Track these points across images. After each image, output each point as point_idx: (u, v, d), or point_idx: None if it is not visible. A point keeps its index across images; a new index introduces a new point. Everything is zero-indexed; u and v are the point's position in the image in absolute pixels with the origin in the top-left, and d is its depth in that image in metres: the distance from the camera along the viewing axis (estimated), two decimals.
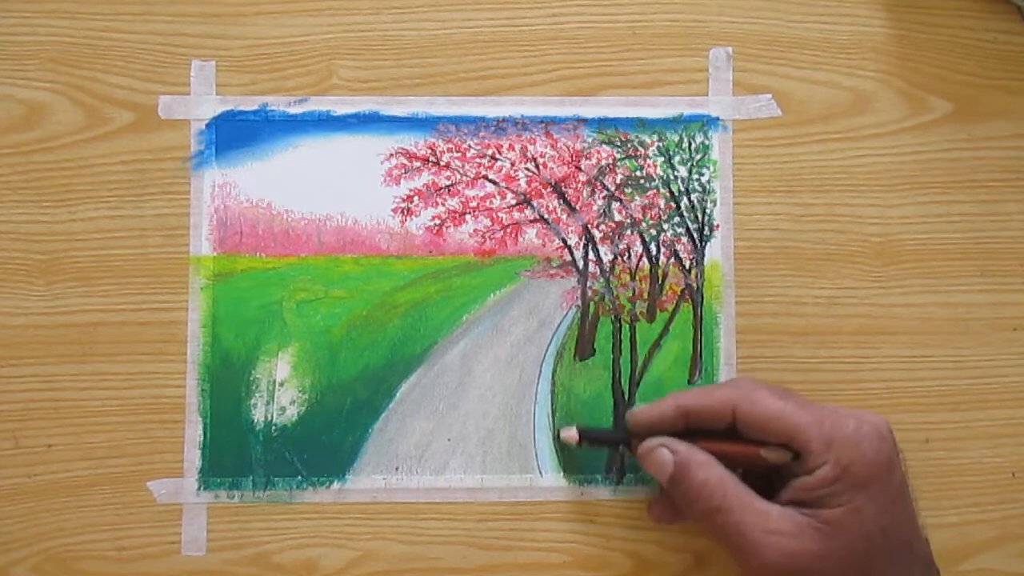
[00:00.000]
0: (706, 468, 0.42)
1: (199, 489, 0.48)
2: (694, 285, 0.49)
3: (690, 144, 0.50)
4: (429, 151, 0.49)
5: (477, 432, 0.48)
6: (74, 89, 0.49)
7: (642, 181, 0.50)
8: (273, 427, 0.48)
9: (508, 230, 0.49)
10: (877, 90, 0.50)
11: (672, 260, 0.49)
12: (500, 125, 0.50)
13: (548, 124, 0.50)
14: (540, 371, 0.49)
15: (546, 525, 0.48)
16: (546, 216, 0.49)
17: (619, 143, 0.50)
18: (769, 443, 0.42)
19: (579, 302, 0.49)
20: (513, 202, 0.50)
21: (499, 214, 0.49)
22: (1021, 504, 0.49)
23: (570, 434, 0.46)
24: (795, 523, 0.40)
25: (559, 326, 0.49)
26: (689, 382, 0.49)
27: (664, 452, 0.43)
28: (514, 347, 0.49)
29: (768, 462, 0.42)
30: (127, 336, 0.48)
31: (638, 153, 0.50)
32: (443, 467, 0.48)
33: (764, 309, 0.49)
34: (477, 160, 0.50)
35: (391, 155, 0.49)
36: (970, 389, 0.49)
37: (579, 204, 0.50)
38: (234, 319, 0.48)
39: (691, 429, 0.44)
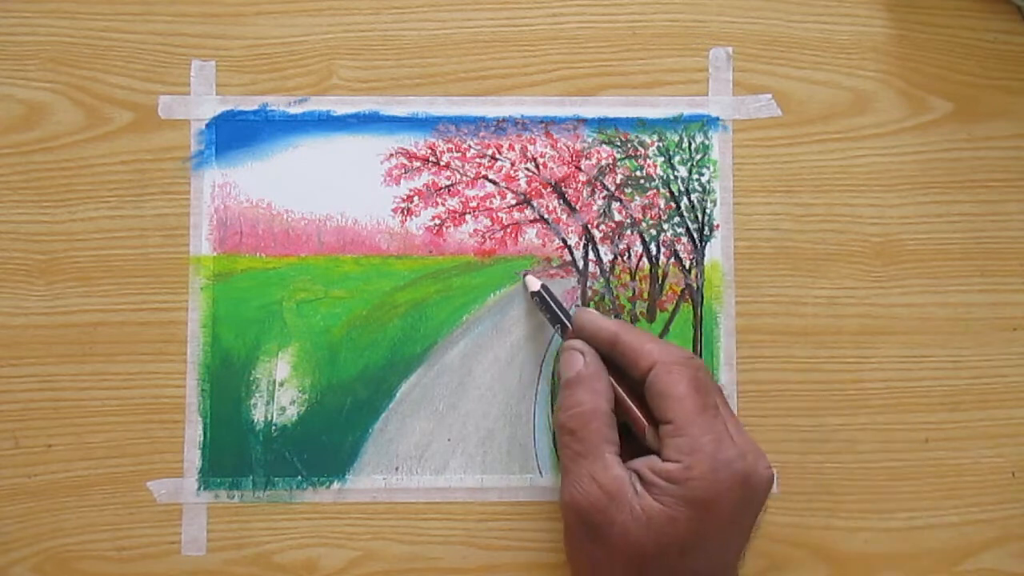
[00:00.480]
0: (591, 395, 0.43)
1: (199, 489, 0.48)
2: (694, 285, 0.49)
3: (690, 144, 0.50)
4: (429, 151, 0.49)
5: (477, 432, 0.48)
6: (74, 89, 0.49)
7: (642, 181, 0.50)
8: (273, 427, 0.48)
9: (508, 230, 0.49)
10: (877, 90, 0.50)
11: (672, 260, 0.49)
12: (500, 125, 0.50)
13: (548, 124, 0.50)
14: (540, 371, 0.49)
15: (546, 525, 0.48)
16: (546, 216, 0.49)
17: (619, 143, 0.50)
18: (666, 427, 0.42)
19: (579, 302, 0.49)
20: (513, 202, 0.50)
21: (499, 214, 0.49)
22: (1021, 504, 0.49)
23: (533, 283, 0.47)
24: (620, 489, 0.41)
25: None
26: None
27: (576, 357, 0.44)
28: (514, 347, 0.49)
29: (646, 441, 0.43)
30: (127, 336, 0.48)
31: (638, 153, 0.50)
32: (443, 467, 0.48)
33: (764, 309, 0.49)
34: (477, 160, 0.50)
35: (391, 155, 0.49)
36: (970, 389, 0.49)
37: (579, 204, 0.50)
38: (234, 319, 0.48)
39: (613, 359, 0.44)
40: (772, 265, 0.49)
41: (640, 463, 0.42)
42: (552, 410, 0.48)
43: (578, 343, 0.45)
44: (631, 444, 0.43)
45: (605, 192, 0.50)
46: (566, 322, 0.46)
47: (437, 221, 0.49)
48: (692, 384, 0.42)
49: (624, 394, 0.44)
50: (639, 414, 0.43)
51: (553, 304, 0.47)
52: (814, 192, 0.50)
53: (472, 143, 0.50)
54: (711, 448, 0.41)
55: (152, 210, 0.49)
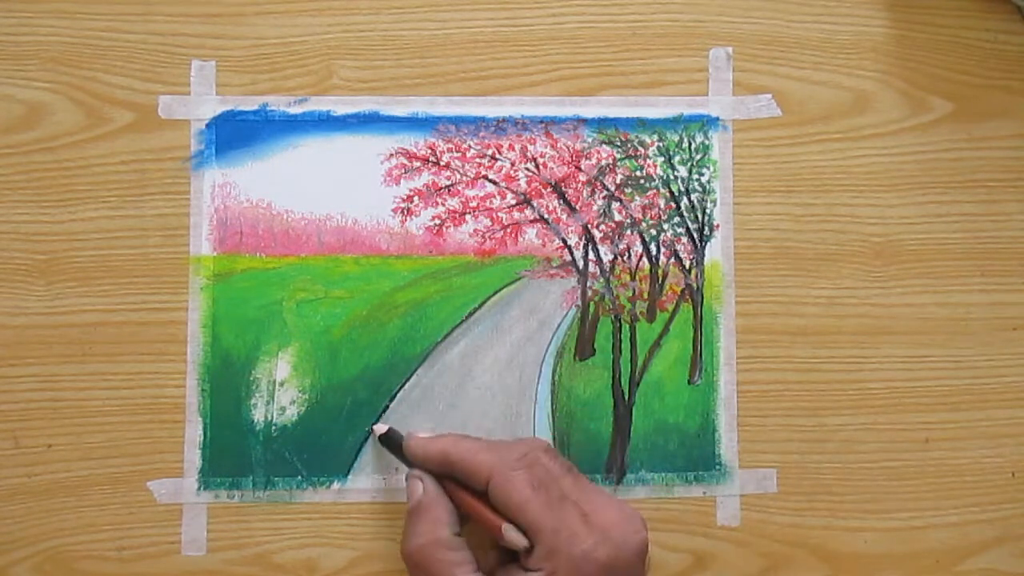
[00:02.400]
0: (430, 523, 0.43)
1: (199, 489, 0.48)
2: (694, 285, 0.49)
3: (690, 144, 0.50)
4: (429, 151, 0.49)
5: (477, 432, 0.48)
6: (74, 89, 0.49)
7: (642, 181, 0.50)
8: (273, 427, 0.48)
9: (508, 230, 0.49)
10: (877, 90, 0.50)
11: (672, 260, 0.49)
12: (500, 125, 0.50)
13: (548, 124, 0.50)
14: (540, 371, 0.49)
15: None
16: (546, 216, 0.49)
17: (619, 143, 0.50)
18: (508, 524, 0.42)
19: (579, 302, 0.49)
20: (513, 202, 0.50)
21: (499, 214, 0.49)
22: (1021, 504, 0.49)
23: (381, 428, 0.47)
24: None
25: (559, 326, 0.49)
26: (689, 382, 0.49)
27: (416, 485, 0.44)
28: (514, 347, 0.49)
29: (504, 541, 0.42)
30: (127, 336, 0.48)
31: (638, 153, 0.50)
32: None
33: (764, 309, 0.49)
34: (477, 160, 0.50)
35: (391, 155, 0.49)
36: (970, 389, 0.49)
37: (579, 204, 0.50)
38: (234, 319, 0.48)
39: (454, 477, 0.44)
40: (772, 265, 0.49)
41: (505, 573, 0.42)
42: (552, 410, 0.48)
43: (416, 472, 0.44)
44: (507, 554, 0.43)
45: (605, 192, 0.50)
46: (407, 460, 0.46)
47: (437, 221, 0.49)
48: (529, 484, 0.42)
49: (474, 503, 0.43)
50: (490, 518, 0.42)
51: (393, 450, 0.46)
52: (814, 192, 0.50)
53: (472, 143, 0.50)
54: (567, 545, 0.41)
55: (152, 210, 0.49)
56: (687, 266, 0.49)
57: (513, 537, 0.42)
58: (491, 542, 0.43)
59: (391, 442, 0.46)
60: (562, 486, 0.42)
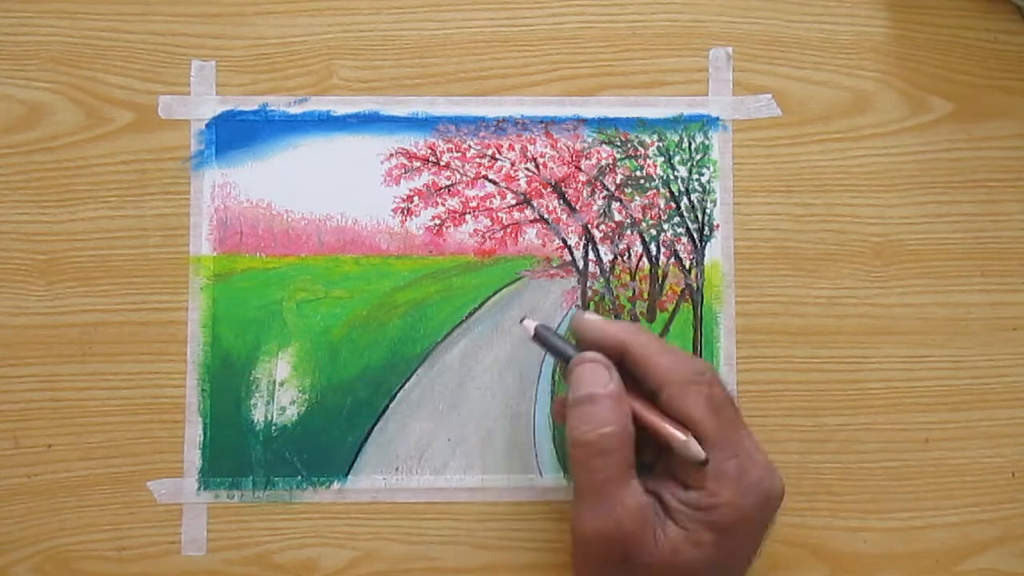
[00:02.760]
0: (620, 415, 0.40)
1: (199, 489, 0.48)
2: (694, 285, 0.49)
3: (690, 144, 0.50)
4: (429, 151, 0.49)
5: (477, 432, 0.48)
6: (74, 89, 0.49)
7: (642, 181, 0.50)
8: (273, 427, 0.48)
9: (508, 230, 0.49)
10: (877, 90, 0.50)
11: (672, 260, 0.49)
12: (500, 125, 0.50)
13: (548, 124, 0.50)
14: (540, 371, 0.49)
15: (546, 525, 0.48)
16: (546, 216, 0.49)
17: (619, 143, 0.50)
18: (691, 435, 0.40)
19: (579, 302, 0.49)
20: (513, 202, 0.50)
21: (499, 214, 0.49)
22: (1021, 504, 0.49)
23: (531, 325, 0.44)
24: (645, 516, 0.40)
25: (559, 326, 0.49)
26: None
27: (603, 372, 0.41)
28: (514, 347, 0.49)
29: (676, 452, 0.40)
30: (127, 336, 0.48)
31: (638, 153, 0.50)
32: (443, 467, 0.48)
33: (764, 309, 0.49)
34: (477, 160, 0.50)
35: (391, 155, 0.49)
36: (970, 389, 0.49)
37: (579, 204, 0.50)
38: (234, 319, 0.48)
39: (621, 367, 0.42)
40: (772, 265, 0.49)
41: (661, 488, 0.41)
42: (553, 411, 0.48)
43: (596, 355, 0.42)
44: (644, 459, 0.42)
45: (605, 192, 0.50)
46: (571, 352, 0.43)
47: (437, 221, 0.49)
48: (708, 405, 0.41)
49: (645, 403, 0.41)
50: (666, 426, 0.40)
51: (554, 346, 0.44)
52: (814, 192, 0.50)
53: (472, 143, 0.50)
54: (735, 472, 0.40)
55: (152, 210, 0.49)
56: (687, 266, 0.49)
57: (693, 450, 0.40)
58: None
59: (544, 339, 0.43)
60: (730, 414, 0.41)
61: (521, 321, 0.45)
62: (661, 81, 0.50)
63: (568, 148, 0.50)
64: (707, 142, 0.50)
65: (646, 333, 0.43)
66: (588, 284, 0.49)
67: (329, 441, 0.48)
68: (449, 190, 0.49)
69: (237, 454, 0.48)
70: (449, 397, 0.49)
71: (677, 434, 0.40)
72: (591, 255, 0.49)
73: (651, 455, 0.43)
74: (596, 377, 0.41)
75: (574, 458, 0.41)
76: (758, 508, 0.40)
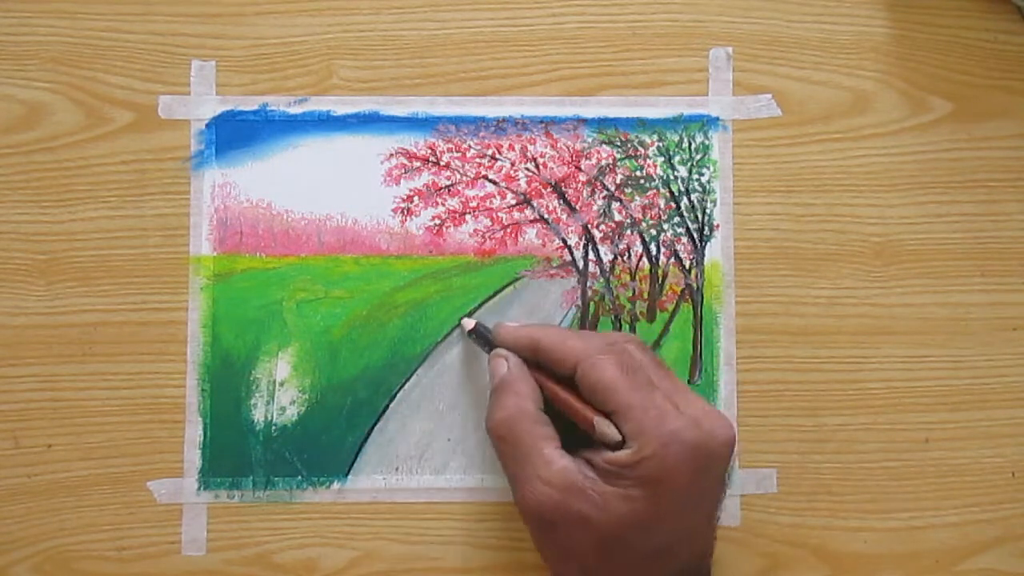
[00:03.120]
0: (514, 397, 0.43)
1: (199, 489, 0.48)
2: (694, 285, 0.49)
3: (690, 144, 0.50)
4: (429, 151, 0.49)
5: (477, 432, 0.48)
6: (74, 89, 0.49)
7: (642, 181, 0.50)
8: (273, 427, 0.48)
9: (508, 230, 0.49)
10: (877, 90, 0.50)
11: (672, 260, 0.49)
12: (500, 125, 0.50)
13: (548, 124, 0.50)
14: None
15: None
16: (546, 216, 0.49)
17: (619, 143, 0.50)
18: (607, 417, 0.42)
19: (579, 302, 0.49)
20: (513, 202, 0.50)
21: (499, 214, 0.49)
22: (1021, 504, 0.49)
23: (469, 323, 0.47)
24: (570, 480, 0.41)
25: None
26: (689, 382, 0.49)
27: (500, 363, 0.44)
28: None
29: (596, 434, 0.42)
30: (127, 336, 0.48)
31: (638, 153, 0.50)
32: (443, 467, 0.48)
33: (764, 309, 0.49)
34: (477, 160, 0.50)
35: (391, 155, 0.49)
36: (970, 389, 0.49)
37: (579, 204, 0.50)
38: (234, 319, 0.48)
39: (540, 363, 0.44)
40: (772, 265, 0.49)
41: (590, 454, 0.42)
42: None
43: (500, 351, 0.45)
44: (585, 439, 0.43)
45: (605, 192, 0.50)
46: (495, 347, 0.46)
47: (437, 221, 0.49)
48: (619, 368, 0.42)
49: (566, 394, 0.43)
50: (580, 410, 0.42)
51: (482, 337, 0.46)
52: (814, 192, 0.50)
53: (472, 143, 0.50)
54: (654, 425, 0.40)
55: (152, 210, 0.49)
56: (687, 266, 0.49)
57: (606, 431, 0.41)
58: (567, 427, 0.43)
59: (480, 336, 0.47)
60: (650, 375, 0.42)
61: (460, 319, 0.48)
62: (661, 81, 0.50)
63: (568, 148, 0.50)
64: (707, 142, 0.50)
65: (557, 328, 0.46)
66: (588, 284, 0.49)
67: (329, 441, 0.48)
68: (449, 190, 0.49)
69: (237, 454, 0.48)
70: (449, 397, 0.49)
71: (591, 416, 0.42)
72: (591, 255, 0.49)
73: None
74: (497, 369, 0.44)
75: (494, 445, 0.43)
76: (684, 458, 0.40)
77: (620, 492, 0.40)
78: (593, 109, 0.50)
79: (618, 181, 0.50)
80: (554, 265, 0.49)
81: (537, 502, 0.41)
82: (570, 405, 0.43)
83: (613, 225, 0.50)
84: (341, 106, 0.49)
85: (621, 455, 0.41)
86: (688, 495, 0.41)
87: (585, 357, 0.42)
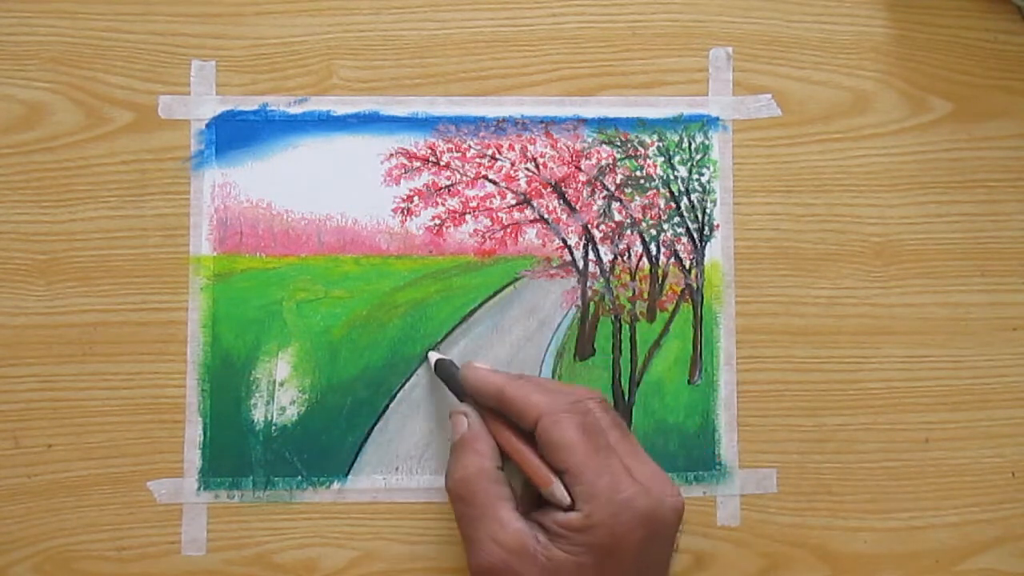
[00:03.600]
0: (475, 456, 0.43)
1: (199, 489, 0.48)
2: (694, 285, 0.49)
3: (690, 144, 0.50)
4: (429, 151, 0.49)
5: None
6: (74, 89, 0.49)
7: (642, 181, 0.50)
8: (273, 427, 0.48)
9: (508, 230, 0.49)
10: (877, 90, 0.50)
11: (672, 260, 0.49)
12: (500, 125, 0.50)
13: (548, 124, 0.50)
14: (540, 371, 0.49)
15: None
16: (546, 216, 0.50)
17: (619, 143, 0.50)
18: (561, 479, 0.41)
19: (579, 302, 0.49)
20: (513, 202, 0.50)
21: (499, 214, 0.49)
22: (1021, 504, 0.49)
23: (434, 356, 0.47)
24: (522, 544, 0.41)
25: (559, 326, 0.49)
26: (689, 382, 0.49)
27: (461, 420, 0.44)
28: (514, 347, 0.49)
29: (548, 495, 0.42)
30: (127, 336, 0.48)
31: (638, 153, 0.50)
32: (443, 467, 0.48)
33: (764, 309, 0.49)
34: (477, 160, 0.50)
35: (391, 155, 0.49)
36: (970, 389, 0.49)
37: (579, 204, 0.50)
38: (234, 319, 0.48)
39: (502, 413, 0.44)
40: (772, 265, 0.49)
41: (543, 516, 0.42)
42: None
43: (461, 407, 0.45)
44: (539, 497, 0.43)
45: (605, 192, 0.50)
46: (461, 392, 0.46)
47: (437, 221, 0.49)
48: (579, 429, 0.42)
49: (520, 445, 0.43)
50: (537, 468, 0.42)
51: (447, 381, 0.46)
52: (814, 192, 0.50)
53: (472, 143, 0.50)
54: (608, 491, 0.41)
55: (152, 210, 0.49)
56: (687, 266, 0.49)
57: (558, 494, 0.41)
58: (526, 480, 0.43)
59: (444, 371, 0.46)
60: (609, 438, 0.42)
61: (427, 352, 0.48)
62: (661, 81, 0.50)
63: (568, 148, 0.50)
64: (707, 142, 0.50)
65: (526, 378, 0.45)
66: (588, 284, 0.49)
67: (329, 441, 0.48)
68: (449, 190, 0.49)
69: (237, 454, 0.48)
70: (449, 397, 0.49)
71: (545, 478, 0.42)
72: (591, 255, 0.49)
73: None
74: (456, 427, 0.44)
75: (452, 505, 0.43)
76: (635, 526, 0.40)
77: (570, 559, 0.40)
78: (593, 109, 0.50)
79: (618, 181, 0.50)
80: (554, 265, 0.49)
81: (489, 563, 0.41)
82: (526, 461, 0.42)
83: (613, 225, 0.50)
84: (341, 106, 0.49)
85: (572, 518, 0.41)
86: (637, 563, 0.41)
87: (548, 413, 0.42)
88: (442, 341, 0.49)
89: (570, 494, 0.41)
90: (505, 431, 0.43)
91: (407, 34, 0.50)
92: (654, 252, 0.49)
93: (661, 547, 0.42)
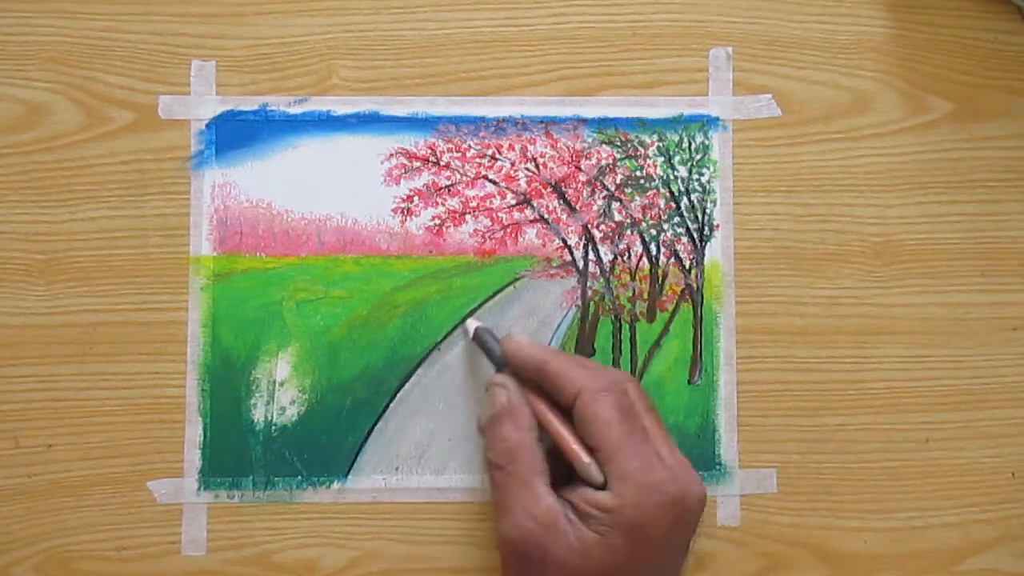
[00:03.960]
0: (515, 428, 0.43)
1: (199, 489, 0.48)
2: (694, 285, 0.49)
3: (690, 144, 0.50)
4: (429, 151, 0.49)
5: (477, 432, 0.48)
6: (74, 89, 0.49)
7: (642, 181, 0.50)
8: (273, 427, 0.48)
9: (508, 230, 0.49)
10: (877, 90, 0.50)
11: (672, 260, 0.49)
12: (500, 125, 0.50)
13: (548, 124, 0.50)
14: None
15: None
16: (546, 216, 0.50)
17: (619, 143, 0.50)
18: (594, 457, 0.42)
19: (579, 302, 0.49)
20: (513, 202, 0.50)
21: (499, 214, 0.49)
22: (1021, 504, 0.49)
23: (473, 324, 0.47)
24: (554, 519, 0.41)
25: (559, 326, 0.49)
26: (689, 382, 0.49)
27: (500, 392, 0.44)
28: None
29: (581, 472, 0.42)
30: (127, 336, 0.48)
31: (638, 153, 0.50)
32: (443, 467, 0.48)
33: (764, 309, 0.49)
34: (477, 160, 0.50)
35: (391, 155, 0.49)
36: (970, 389, 0.49)
37: (579, 204, 0.50)
38: (234, 319, 0.48)
39: (541, 386, 0.44)
40: (772, 265, 0.49)
41: (573, 493, 0.42)
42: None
43: (499, 378, 0.45)
44: (569, 472, 0.43)
45: (605, 192, 0.50)
46: (502, 364, 0.45)
47: (437, 221, 0.49)
48: (617, 409, 0.42)
49: (560, 425, 0.43)
50: (573, 446, 0.42)
51: (486, 348, 0.46)
52: (814, 192, 0.50)
53: (472, 143, 0.50)
54: (640, 473, 0.41)
55: (152, 210, 0.49)
56: (687, 266, 0.49)
57: (590, 471, 0.41)
58: (557, 456, 0.43)
59: (482, 341, 0.46)
60: (644, 422, 0.43)
61: (463, 320, 0.47)
62: (661, 81, 0.50)
63: (568, 148, 0.50)
64: (707, 142, 0.50)
65: (566, 354, 0.45)
66: (588, 284, 0.49)
67: (329, 441, 0.48)
68: (449, 190, 0.49)
69: (237, 454, 0.48)
70: (449, 397, 0.49)
71: (580, 455, 0.42)
72: (591, 255, 0.49)
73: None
74: (495, 398, 0.44)
75: (488, 473, 0.44)
76: (664, 510, 0.41)
77: (600, 540, 0.41)
78: (593, 109, 0.50)
79: (618, 181, 0.50)
80: (554, 265, 0.49)
81: (519, 535, 0.41)
82: (562, 436, 0.43)
83: (613, 225, 0.50)
84: (341, 106, 0.49)
85: (603, 498, 0.41)
86: (665, 547, 0.41)
87: (588, 389, 0.42)
88: (442, 342, 0.49)
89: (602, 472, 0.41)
90: (541, 404, 0.44)
91: (407, 34, 0.50)
92: (654, 252, 0.49)
93: (685, 534, 0.42)
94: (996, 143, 0.50)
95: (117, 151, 0.49)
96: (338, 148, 0.49)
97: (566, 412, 0.43)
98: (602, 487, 0.41)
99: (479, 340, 0.47)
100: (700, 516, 0.43)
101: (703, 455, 0.49)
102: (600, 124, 0.50)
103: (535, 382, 0.44)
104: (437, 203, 0.49)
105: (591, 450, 0.42)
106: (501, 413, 0.44)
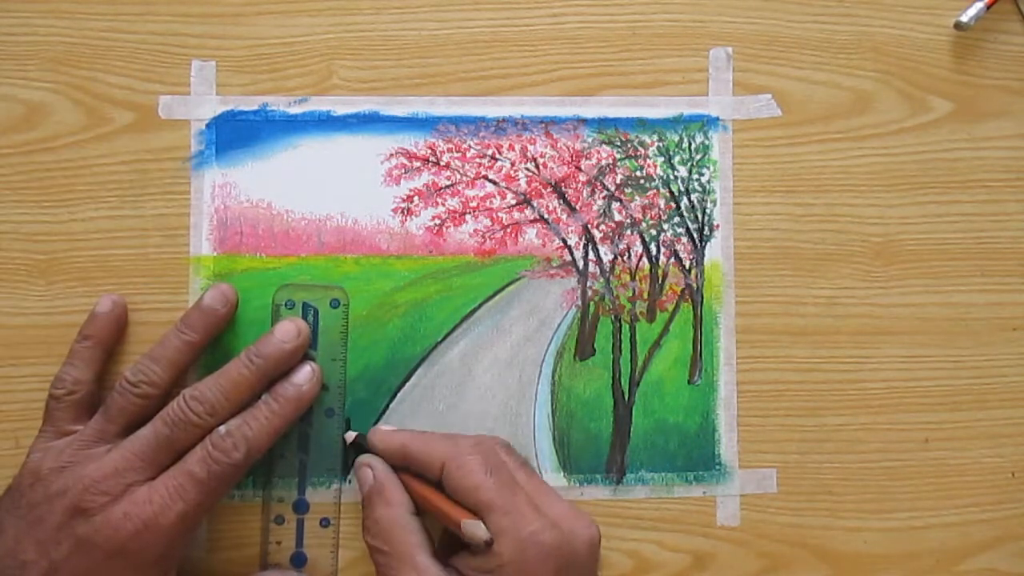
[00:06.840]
0: (385, 506, 0.44)
1: None
2: (694, 285, 0.49)
3: (690, 144, 0.50)
4: (429, 151, 0.49)
5: (477, 432, 0.48)
6: (74, 89, 0.49)
7: (642, 181, 0.50)
8: None
9: (508, 230, 0.49)
10: (877, 90, 0.50)
11: (672, 260, 0.49)
12: (500, 125, 0.50)
13: (548, 124, 0.50)
14: (540, 371, 0.49)
15: None
16: (546, 216, 0.50)
17: (619, 143, 0.50)
18: (476, 517, 0.42)
19: (579, 302, 0.49)
20: (513, 202, 0.50)
21: (499, 214, 0.49)
22: (1021, 504, 0.49)
23: (350, 437, 0.47)
24: None
25: (559, 326, 0.49)
26: (689, 382, 0.49)
27: (366, 472, 0.45)
28: (514, 347, 0.49)
29: (463, 535, 0.42)
30: (127, 336, 0.48)
31: (638, 153, 0.50)
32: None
33: (764, 309, 0.49)
34: (477, 160, 0.50)
35: (391, 155, 0.49)
36: (970, 389, 0.49)
37: (579, 204, 0.50)
38: (234, 319, 0.48)
39: (409, 468, 0.44)
40: (772, 265, 0.49)
41: (458, 560, 0.42)
42: (552, 410, 0.48)
43: (365, 457, 0.45)
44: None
45: (605, 192, 0.50)
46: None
47: (437, 221, 0.49)
48: (484, 468, 0.42)
49: (430, 493, 0.43)
50: (448, 510, 0.43)
51: (361, 442, 0.47)
52: (814, 192, 0.50)
53: (472, 143, 0.50)
54: (512, 528, 0.41)
55: (152, 210, 0.49)
56: (687, 266, 0.49)
57: (474, 532, 0.42)
58: (441, 528, 0.44)
59: (360, 448, 0.47)
60: (515, 476, 0.43)
61: (343, 433, 0.47)
62: (661, 81, 0.50)
63: (568, 148, 0.50)
64: (707, 142, 0.50)
65: (429, 432, 0.46)
66: (588, 284, 0.49)
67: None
68: (449, 190, 0.49)
69: None
70: (449, 397, 0.49)
71: (457, 515, 0.42)
72: (591, 255, 0.49)
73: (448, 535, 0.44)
74: (363, 480, 0.45)
75: (371, 557, 0.44)
76: (544, 561, 0.41)
77: None
78: (593, 109, 0.50)
79: (618, 181, 0.50)
80: (554, 265, 0.49)
81: None
82: (437, 507, 0.43)
83: (613, 225, 0.50)
84: (341, 106, 0.49)
85: (482, 560, 0.41)
86: None
87: (451, 457, 0.43)
88: (442, 342, 0.49)
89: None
90: (414, 481, 0.44)
91: (407, 34, 0.50)
92: (654, 252, 0.49)
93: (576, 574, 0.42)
94: (996, 143, 0.50)
95: (117, 151, 0.49)
96: (338, 148, 0.49)
97: (440, 487, 0.43)
98: (490, 543, 0.41)
99: (358, 449, 0.47)
100: (593, 559, 0.43)
101: (703, 455, 0.49)
102: (600, 124, 0.50)
103: (405, 467, 0.45)
104: (437, 203, 0.49)
105: (471, 514, 0.42)
106: (370, 493, 0.44)
